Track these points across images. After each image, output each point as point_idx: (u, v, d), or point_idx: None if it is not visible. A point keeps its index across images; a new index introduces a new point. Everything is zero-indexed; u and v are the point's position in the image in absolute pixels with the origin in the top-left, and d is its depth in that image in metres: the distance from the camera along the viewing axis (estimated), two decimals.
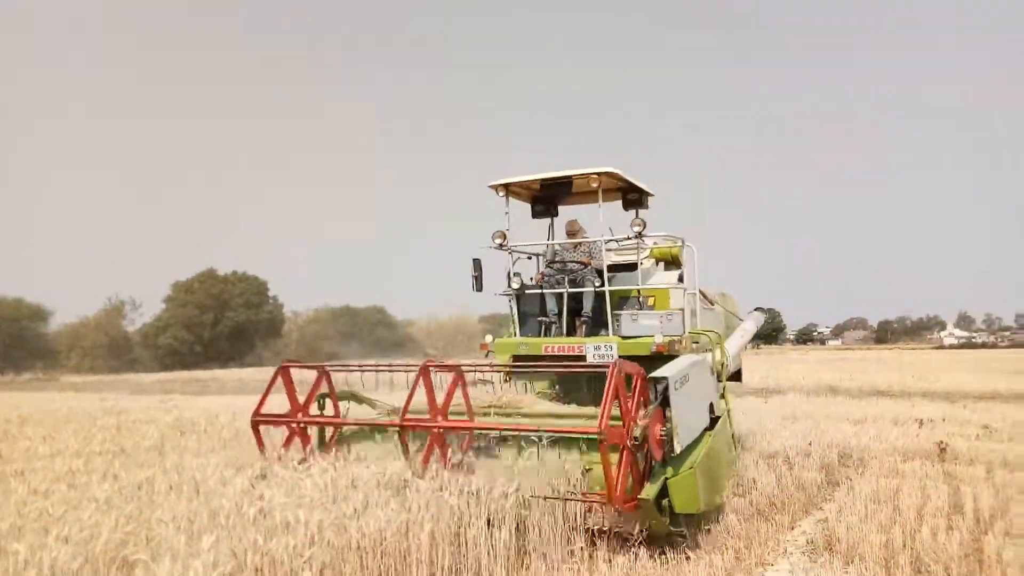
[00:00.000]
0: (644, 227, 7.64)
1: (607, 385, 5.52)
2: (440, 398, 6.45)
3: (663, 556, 5.76)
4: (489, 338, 8.57)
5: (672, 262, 9.14)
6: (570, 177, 8.10)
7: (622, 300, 8.43)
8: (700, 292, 9.04)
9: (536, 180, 8.29)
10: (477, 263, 8.47)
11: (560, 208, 9.29)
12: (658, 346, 7.46)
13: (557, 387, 8.33)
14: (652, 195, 8.80)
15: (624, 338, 7.82)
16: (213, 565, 3.99)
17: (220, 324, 62.71)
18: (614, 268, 8.84)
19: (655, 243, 9.07)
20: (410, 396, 6.36)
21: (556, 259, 8.64)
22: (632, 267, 8.64)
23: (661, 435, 5.75)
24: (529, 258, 8.93)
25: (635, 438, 5.61)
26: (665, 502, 5.73)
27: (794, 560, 5.78)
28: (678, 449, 5.79)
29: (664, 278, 8.64)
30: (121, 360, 60.94)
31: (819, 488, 8.08)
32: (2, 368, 54.01)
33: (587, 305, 8.23)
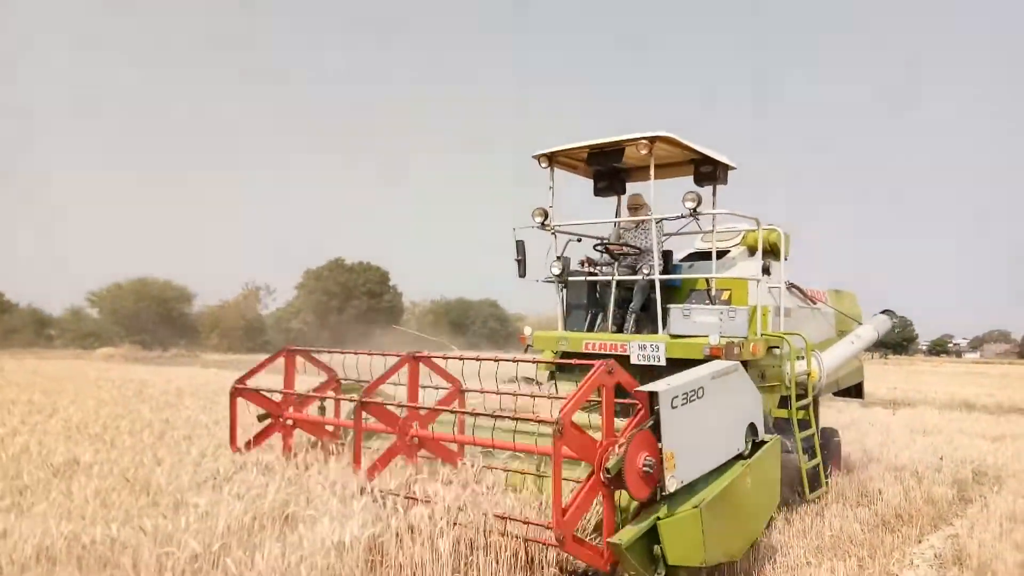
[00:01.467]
0: (699, 202, 6.33)
1: (585, 378, 4.54)
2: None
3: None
4: (528, 331, 7.42)
5: (770, 252, 7.72)
6: (620, 144, 6.83)
7: (693, 293, 7.21)
8: (794, 287, 7.68)
9: (583, 148, 7.04)
10: (520, 245, 7.26)
11: (630, 186, 8.10)
12: (712, 348, 6.14)
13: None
14: (732, 167, 7.36)
15: (674, 337, 6.57)
16: (362, 526, 4.49)
17: (345, 311, 65.64)
18: (697, 256, 7.73)
19: (753, 228, 7.52)
20: (374, 384, 5.66)
21: (603, 241, 7.42)
22: (719, 257, 7.38)
23: (644, 467, 4.40)
24: (579, 240, 7.52)
25: (607, 471, 4.36)
26: (657, 549, 4.42)
27: (921, 572, 5.52)
28: (671, 486, 4.42)
29: (747, 269, 7.25)
30: (255, 341, 64.58)
31: (950, 504, 7.64)
32: (151, 344, 58.66)
33: (637, 297, 7.03)
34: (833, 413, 14.33)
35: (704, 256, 7.68)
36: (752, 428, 5.45)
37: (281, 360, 6.83)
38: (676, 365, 5.97)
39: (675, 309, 6.63)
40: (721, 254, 7.62)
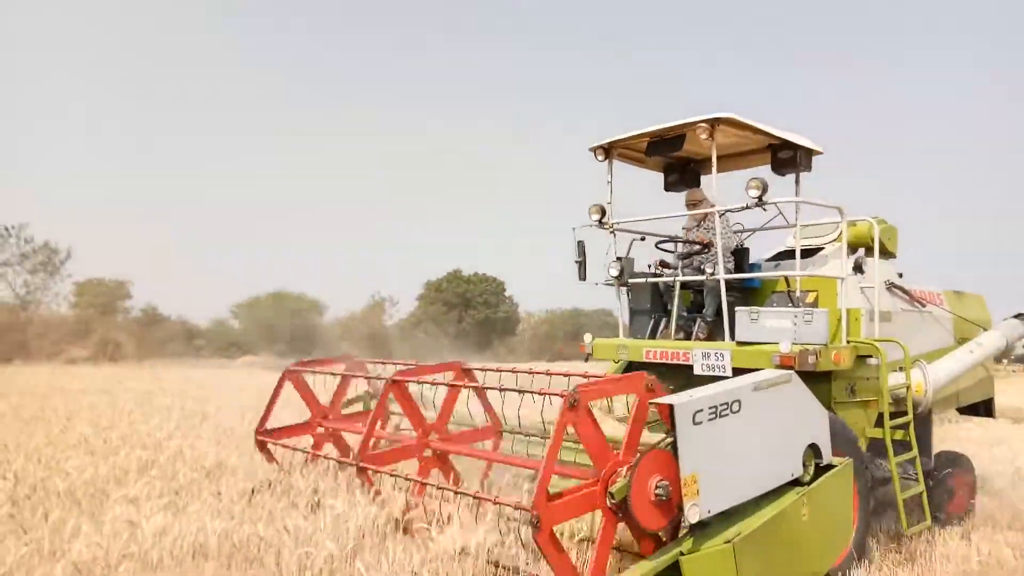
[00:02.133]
0: (764, 190, 5.45)
1: (615, 377, 4.10)
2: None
3: None
4: (588, 337, 6.80)
5: (879, 249, 6.75)
6: (679, 130, 6.08)
7: (775, 296, 6.34)
8: (897, 288, 6.68)
9: (641, 137, 6.29)
10: (580, 246, 6.59)
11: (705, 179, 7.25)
12: (783, 357, 5.30)
13: None
14: (816, 151, 6.43)
15: (741, 344, 5.76)
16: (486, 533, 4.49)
17: (463, 321, 66.63)
18: (787, 255, 6.87)
19: (852, 221, 6.76)
20: (371, 425, 5.32)
21: (666, 239, 6.68)
22: (811, 255, 6.64)
23: (656, 492, 3.73)
24: (642, 239, 6.77)
25: (611, 495, 3.73)
26: None
27: None
28: (693, 516, 3.71)
29: (836, 267, 6.28)
30: (381, 351, 66.76)
31: None
32: (287, 353, 61.84)
33: (708, 300, 6.28)
34: (976, 432, 12.99)
35: (794, 255, 6.68)
36: (814, 449, 4.62)
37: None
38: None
39: (741, 312, 5.80)
40: (812, 251, 6.81)
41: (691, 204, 6.77)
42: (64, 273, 51.83)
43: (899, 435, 6.13)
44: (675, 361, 6.05)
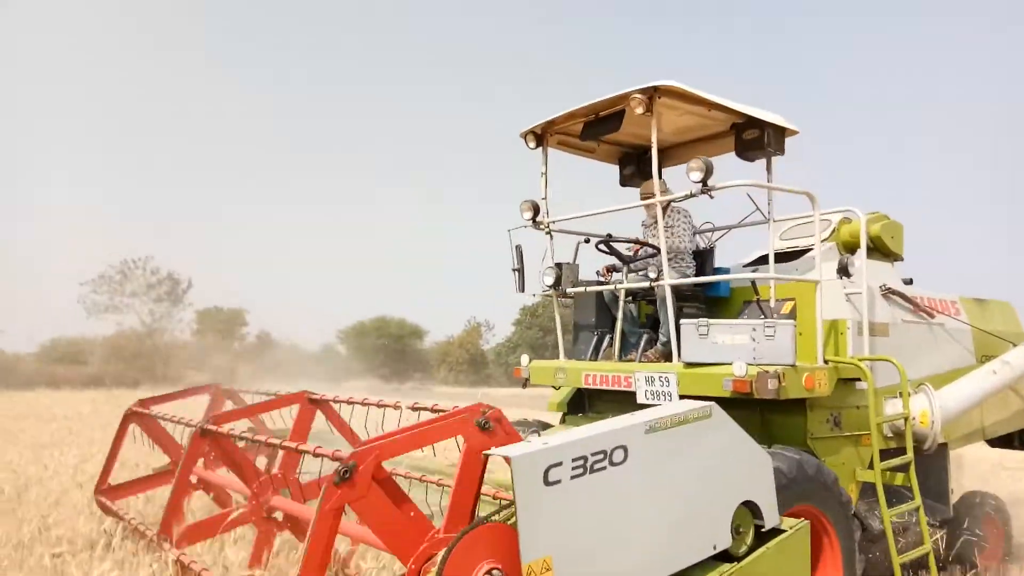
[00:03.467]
0: (708, 172, 4.31)
1: (423, 423, 2.90)
2: None
3: None
4: (524, 360, 5.73)
5: (878, 249, 5.56)
6: (611, 105, 4.88)
7: (748, 307, 5.16)
8: (896, 294, 5.35)
9: (572, 118, 5.15)
10: (518, 252, 5.46)
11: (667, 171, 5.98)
12: (736, 382, 4.15)
13: None
14: (792, 131, 5.16)
15: (689, 365, 4.56)
16: None
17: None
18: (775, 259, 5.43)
19: (844, 218, 5.54)
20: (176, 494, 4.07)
21: (607, 239, 5.42)
22: (796, 257, 5.46)
23: None
24: (586, 241, 5.51)
25: None
26: None
27: None
28: None
29: (825, 270, 4.93)
30: (479, 374, 66.73)
31: None
32: (390, 377, 62.86)
33: (662, 314, 4.98)
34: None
35: (781, 258, 5.51)
36: (752, 510, 3.35)
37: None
38: None
39: (688, 326, 4.56)
40: (800, 253, 5.58)
41: (645, 198, 5.56)
42: (186, 302, 54.46)
43: (899, 479, 4.75)
44: (616, 387, 4.87)
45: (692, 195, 4.57)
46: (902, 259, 5.78)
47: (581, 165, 6.07)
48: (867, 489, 4.85)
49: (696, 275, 5.44)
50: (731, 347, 4.40)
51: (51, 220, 67.46)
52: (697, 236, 5.79)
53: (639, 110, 4.64)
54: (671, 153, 6.06)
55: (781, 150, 5.18)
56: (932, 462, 5.32)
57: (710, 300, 5.52)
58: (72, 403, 21.67)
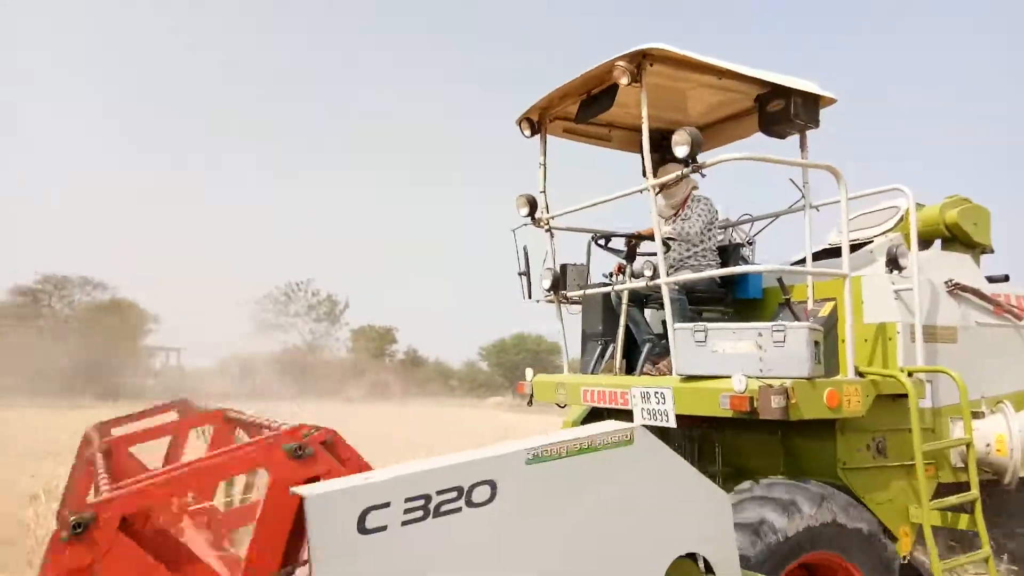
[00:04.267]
0: (695, 146, 3.62)
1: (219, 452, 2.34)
2: None
3: None
4: (529, 374, 5.10)
5: (958, 239, 4.66)
6: (600, 78, 4.18)
7: (783, 310, 4.25)
8: (966, 290, 4.33)
9: (565, 98, 4.50)
10: (524, 254, 4.82)
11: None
12: (735, 399, 3.37)
13: None
14: (828, 99, 4.29)
15: (687, 379, 3.79)
16: None
17: None
18: (825, 255, 4.75)
19: (917, 204, 4.48)
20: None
21: (605, 235, 4.77)
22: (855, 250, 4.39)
23: None
24: (601, 241, 4.79)
25: None
26: None
27: None
28: None
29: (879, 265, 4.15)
30: None
31: None
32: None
33: (671, 315, 4.08)
34: None
35: (833, 253, 4.62)
36: (696, 567, 2.55)
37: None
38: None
39: (683, 331, 3.81)
40: (861, 247, 4.65)
41: (664, 185, 4.86)
42: (343, 321, 57.40)
43: (963, 521, 3.72)
44: (613, 404, 4.16)
45: (683, 176, 3.85)
46: (991, 250, 4.68)
47: (608, 156, 5.42)
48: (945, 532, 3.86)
49: (722, 277, 4.64)
50: (733, 356, 3.60)
51: (221, 239, 73.45)
52: (728, 230, 4.98)
53: (624, 80, 3.95)
54: (707, 135, 5.25)
55: (814, 122, 4.29)
56: (1015, 501, 4.18)
57: (739, 303, 4.70)
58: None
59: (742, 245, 4.87)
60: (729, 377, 3.50)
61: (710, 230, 4.61)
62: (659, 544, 2.46)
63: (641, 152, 4.16)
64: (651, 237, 4.47)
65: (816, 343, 3.58)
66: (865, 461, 3.77)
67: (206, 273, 68.04)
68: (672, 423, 3.78)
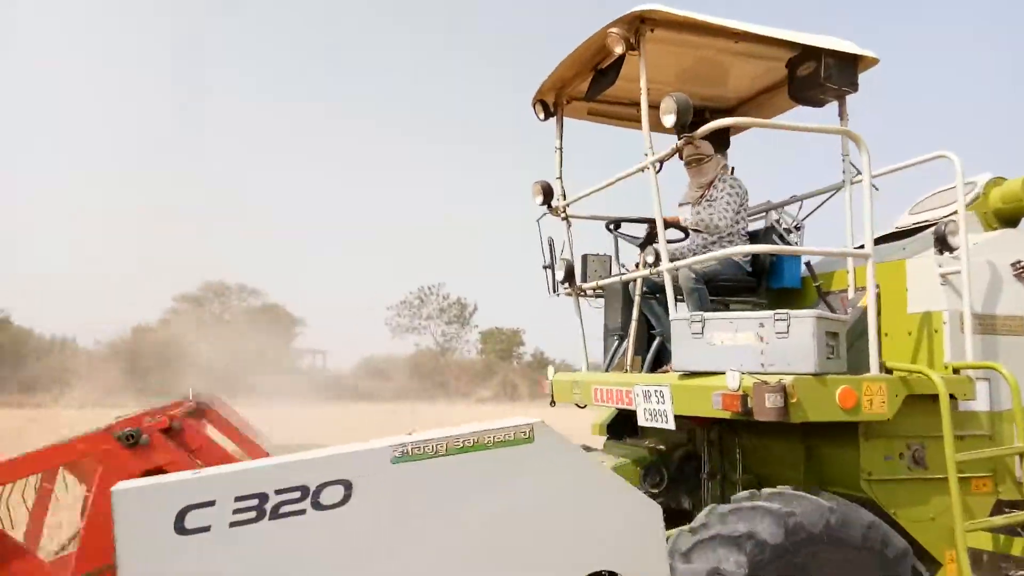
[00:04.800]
0: (684, 113, 3.28)
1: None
2: None
3: None
4: (551, 372, 4.73)
5: (1007, 216, 3.98)
6: (598, 48, 3.79)
7: (825, 300, 3.73)
8: None
9: (573, 72, 4.12)
10: (549, 245, 4.50)
11: (739, 140, 4.70)
12: (727, 397, 2.96)
13: (645, 473, 4.02)
14: (869, 60, 3.75)
15: (684, 376, 3.37)
16: None
17: None
18: (895, 237, 4.22)
19: (996, 177, 3.99)
20: None
21: (617, 220, 4.42)
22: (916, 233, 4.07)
23: None
24: (614, 227, 4.47)
25: None
26: None
27: None
28: None
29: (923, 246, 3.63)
30: None
31: None
32: None
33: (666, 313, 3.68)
34: None
35: (901, 237, 4.12)
36: None
37: None
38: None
39: (679, 322, 3.39)
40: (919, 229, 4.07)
41: (690, 164, 4.35)
42: (472, 324, 58.69)
43: (1017, 547, 3.08)
44: (620, 404, 3.81)
45: (677, 149, 3.47)
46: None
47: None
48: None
49: (751, 262, 4.18)
50: (732, 349, 3.18)
51: (360, 244, 76.64)
52: (768, 214, 4.48)
53: (618, 49, 3.61)
54: (746, 111, 4.78)
55: (850, 85, 3.76)
56: None
57: (775, 294, 4.21)
58: (372, 416, 23.24)
59: (785, 230, 4.34)
60: (721, 374, 3.09)
61: (738, 213, 4.15)
62: (566, 558, 2.15)
63: (643, 129, 3.79)
64: (676, 224, 4.12)
65: (833, 334, 3.10)
66: (897, 472, 3.22)
67: (347, 278, 71.50)
68: (671, 424, 3.40)
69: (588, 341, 4.58)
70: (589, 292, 4.50)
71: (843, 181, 3.87)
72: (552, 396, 4.62)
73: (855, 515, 2.90)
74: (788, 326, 3.03)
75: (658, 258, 3.62)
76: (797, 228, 4.49)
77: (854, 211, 3.80)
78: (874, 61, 3.78)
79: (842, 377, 3.04)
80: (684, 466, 4.14)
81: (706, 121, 4.65)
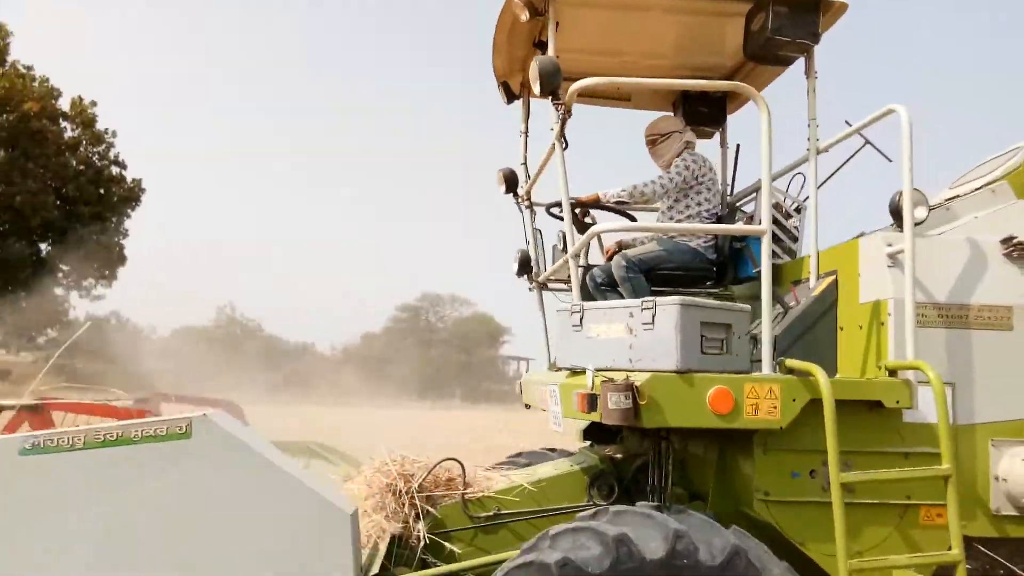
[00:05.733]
0: (545, 78, 2.92)
1: None
2: None
3: None
4: (524, 373, 4.23)
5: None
6: (511, 20, 3.39)
7: (794, 288, 3.21)
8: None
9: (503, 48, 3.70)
10: (535, 238, 4.09)
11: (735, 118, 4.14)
12: (581, 397, 2.54)
13: (591, 483, 3.36)
14: (838, 5, 3.11)
15: (570, 374, 2.99)
16: None
17: None
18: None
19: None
20: None
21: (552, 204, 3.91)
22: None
23: None
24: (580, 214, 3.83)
25: None
26: None
27: None
28: None
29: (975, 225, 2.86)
30: None
31: None
32: None
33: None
34: None
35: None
36: None
37: None
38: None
39: (561, 313, 3.05)
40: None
41: (650, 143, 3.91)
42: None
43: None
44: (543, 406, 3.42)
45: (561, 119, 3.12)
46: None
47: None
48: None
49: (714, 248, 3.65)
50: (606, 343, 2.78)
51: None
52: (751, 200, 3.90)
53: (523, 17, 3.33)
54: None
55: (811, 36, 3.15)
56: None
57: (743, 284, 3.65)
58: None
59: (784, 213, 3.72)
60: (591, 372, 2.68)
61: (688, 189, 3.63)
62: (232, 562, 1.95)
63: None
64: (595, 203, 3.70)
65: (720, 325, 2.61)
66: (806, 493, 2.60)
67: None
68: (560, 428, 3.04)
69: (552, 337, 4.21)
70: (552, 285, 4.17)
71: (807, 151, 3.25)
72: (523, 398, 4.32)
73: (717, 540, 2.38)
74: (653, 316, 2.58)
75: (565, 245, 3.26)
76: (798, 211, 3.85)
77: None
78: (843, 7, 3.14)
79: (719, 376, 2.52)
80: (639, 477, 3.66)
81: (708, 99, 4.23)
